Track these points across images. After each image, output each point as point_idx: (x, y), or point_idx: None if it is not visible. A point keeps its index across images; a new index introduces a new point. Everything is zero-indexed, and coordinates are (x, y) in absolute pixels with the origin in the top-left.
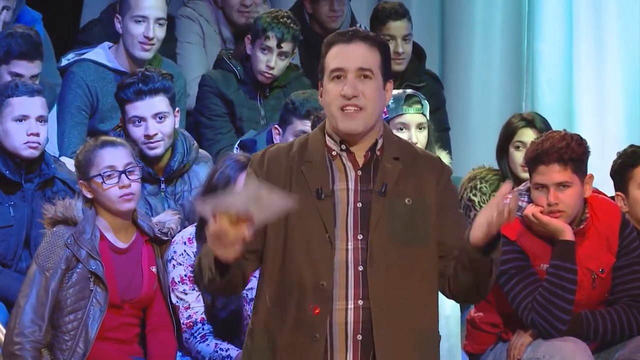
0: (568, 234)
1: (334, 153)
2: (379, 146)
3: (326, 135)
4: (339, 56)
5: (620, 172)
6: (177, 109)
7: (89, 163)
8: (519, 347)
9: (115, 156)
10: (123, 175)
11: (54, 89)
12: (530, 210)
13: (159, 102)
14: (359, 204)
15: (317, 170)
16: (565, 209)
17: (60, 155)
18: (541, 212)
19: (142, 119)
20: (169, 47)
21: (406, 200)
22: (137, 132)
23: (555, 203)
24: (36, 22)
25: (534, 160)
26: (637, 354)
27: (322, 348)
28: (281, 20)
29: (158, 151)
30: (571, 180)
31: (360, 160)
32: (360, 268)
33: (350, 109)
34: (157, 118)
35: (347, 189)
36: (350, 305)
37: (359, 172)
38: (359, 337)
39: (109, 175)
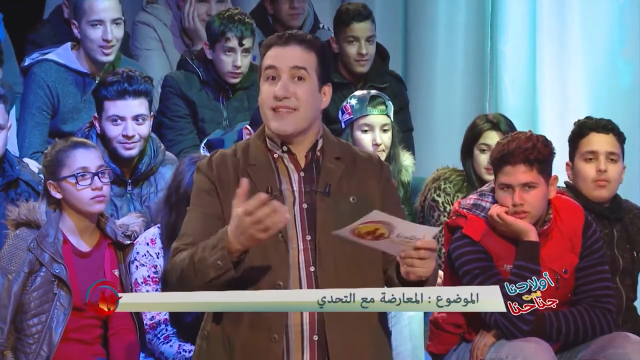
0: (532, 235)
1: (275, 155)
2: (319, 147)
3: (267, 138)
4: (274, 56)
5: (571, 141)
6: (152, 113)
7: (61, 163)
8: (482, 348)
9: (88, 158)
10: (96, 177)
11: (12, 89)
12: (495, 210)
13: (140, 105)
14: (305, 205)
15: (263, 171)
16: (530, 209)
17: (20, 156)
18: (506, 212)
19: (121, 118)
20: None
21: (351, 199)
22: (115, 130)
23: (520, 203)
24: None
25: (500, 160)
26: (600, 355)
27: (281, 349)
28: (236, 18)
29: (133, 152)
30: (537, 181)
31: (302, 162)
32: (312, 269)
33: (281, 110)
34: (136, 120)
35: (292, 190)
36: None
37: (302, 174)
38: (315, 337)
39: (83, 176)
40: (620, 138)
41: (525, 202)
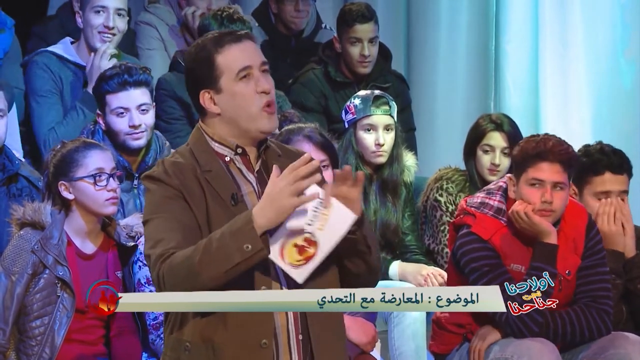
0: (553, 238)
1: (227, 159)
2: (263, 146)
3: (214, 143)
4: (241, 55)
5: (581, 169)
6: (153, 102)
7: (76, 163)
8: (477, 352)
9: (104, 159)
10: (111, 179)
11: (12, 89)
12: (522, 207)
13: (142, 94)
14: None
15: (221, 177)
16: (556, 209)
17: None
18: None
19: (126, 109)
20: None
21: None
22: (121, 122)
23: (550, 201)
24: (6, 27)
25: (535, 156)
26: (601, 355)
27: (271, 354)
28: (235, 17)
29: (141, 142)
30: (566, 183)
31: (255, 163)
32: None
33: (271, 107)
34: (140, 109)
35: (255, 191)
36: None
37: (255, 175)
38: (300, 336)
39: (100, 177)
40: None
41: (554, 201)
